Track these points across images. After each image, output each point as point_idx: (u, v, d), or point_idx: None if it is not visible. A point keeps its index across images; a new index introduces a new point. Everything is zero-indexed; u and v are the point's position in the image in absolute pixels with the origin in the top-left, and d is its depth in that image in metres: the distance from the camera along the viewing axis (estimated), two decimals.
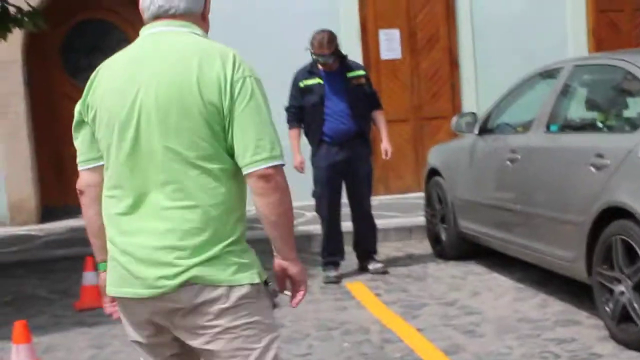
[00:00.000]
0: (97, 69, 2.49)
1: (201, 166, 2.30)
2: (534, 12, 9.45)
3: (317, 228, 7.80)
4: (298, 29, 9.24)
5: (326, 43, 5.77)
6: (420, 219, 7.37)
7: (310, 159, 6.05)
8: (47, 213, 9.73)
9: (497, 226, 5.78)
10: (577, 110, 5.58)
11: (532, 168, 5.29)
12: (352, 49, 9.11)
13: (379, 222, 7.18)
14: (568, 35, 9.42)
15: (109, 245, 2.42)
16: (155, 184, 2.28)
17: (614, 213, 4.45)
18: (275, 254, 2.40)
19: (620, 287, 4.45)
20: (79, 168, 2.67)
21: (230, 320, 2.37)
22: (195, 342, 2.39)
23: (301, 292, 2.45)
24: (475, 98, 9.40)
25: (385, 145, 6.15)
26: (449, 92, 9.57)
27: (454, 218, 6.33)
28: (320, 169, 5.98)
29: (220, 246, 2.30)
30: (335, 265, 6.17)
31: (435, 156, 6.97)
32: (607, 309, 4.58)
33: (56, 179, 9.78)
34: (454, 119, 6.40)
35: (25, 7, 6.77)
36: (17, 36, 8.47)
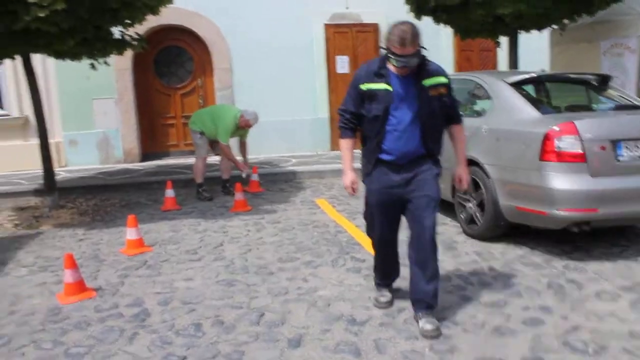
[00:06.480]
0: None
1: None
2: None
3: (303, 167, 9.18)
4: (282, 59, 11.88)
5: (410, 39, 3.82)
6: None
7: (362, 177, 4.28)
8: (144, 156, 11.85)
9: None
10: None
11: None
12: (320, 67, 12.41)
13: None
14: (442, 64, 10.30)
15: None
16: None
17: (469, 163, 5.51)
18: None
19: (470, 204, 5.81)
20: (228, 142, 6.95)
21: None
22: None
23: None
24: None
25: (460, 172, 4.32)
26: None
27: None
28: (372, 192, 4.22)
29: None
30: (389, 287, 4.66)
31: None
32: (462, 216, 5.95)
33: (150, 136, 11.97)
34: None
35: (135, 35, 7.93)
36: (128, 53, 10.41)
